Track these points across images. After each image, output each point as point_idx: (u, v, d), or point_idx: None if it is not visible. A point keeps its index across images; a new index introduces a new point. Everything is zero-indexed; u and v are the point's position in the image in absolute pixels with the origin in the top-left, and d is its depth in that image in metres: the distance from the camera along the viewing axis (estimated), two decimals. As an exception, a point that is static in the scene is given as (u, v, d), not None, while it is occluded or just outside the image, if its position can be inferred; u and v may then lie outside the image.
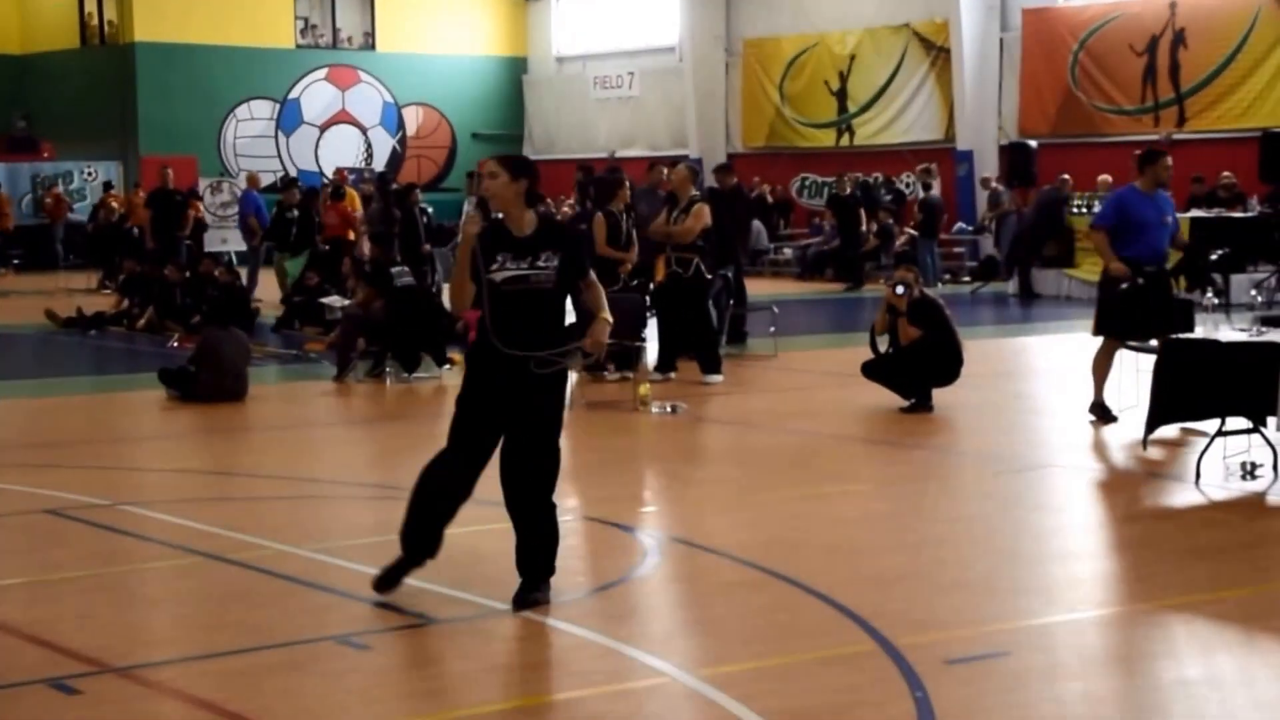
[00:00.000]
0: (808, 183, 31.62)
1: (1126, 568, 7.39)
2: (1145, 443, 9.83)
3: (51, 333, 18.93)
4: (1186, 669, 5.81)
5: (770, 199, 30.05)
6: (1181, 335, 10.12)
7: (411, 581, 6.82)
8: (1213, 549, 7.77)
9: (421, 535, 6.60)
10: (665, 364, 13.98)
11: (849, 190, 26.82)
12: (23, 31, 36.41)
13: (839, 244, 26.99)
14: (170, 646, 6.18)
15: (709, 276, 14.24)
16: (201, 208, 25.79)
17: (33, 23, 36.29)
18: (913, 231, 26.29)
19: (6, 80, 35.62)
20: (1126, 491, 9.36)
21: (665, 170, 16.99)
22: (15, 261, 31.24)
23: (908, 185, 28.82)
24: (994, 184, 26.64)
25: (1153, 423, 9.64)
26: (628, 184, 14.98)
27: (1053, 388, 14.05)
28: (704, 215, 13.92)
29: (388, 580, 6.61)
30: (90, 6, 34.98)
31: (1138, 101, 26.33)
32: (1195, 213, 22.38)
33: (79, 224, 31.45)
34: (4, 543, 8.17)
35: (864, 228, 26.26)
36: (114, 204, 26.64)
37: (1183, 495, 9.08)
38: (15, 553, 7.92)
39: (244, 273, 22.27)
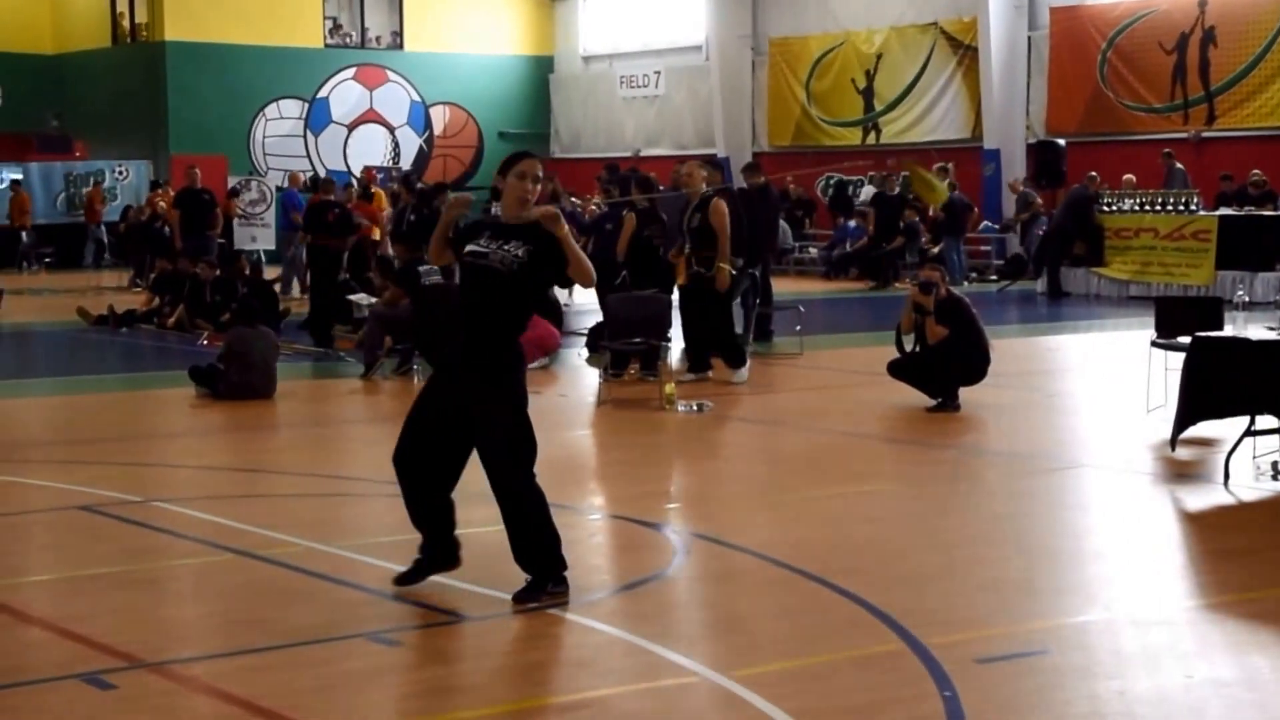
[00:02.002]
0: (833, 181, 31.58)
1: (1159, 568, 7.36)
2: (1174, 443, 9.79)
3: (83, 330, 19.06)
4: (1221, 669, 5.79)
5: (792, 196, 30.06)
6: (1210, 334, 10.08)
7: (441, 579, 6.85)
8: (1245, 549, 7.75)
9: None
10: (699, 364, 13.89)
11: (895, 190, 26.81)
12: (55, 31, 36.65)
13: (865, 243, 26.98)
14: (202, 642, 6.21)
15: (734, 273, 14.21)
16: (236, 206, 25.91)
17: (65, 23, 36.53)
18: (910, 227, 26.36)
19: (39, 79, 35.87)
20: (1156, 491, 9.32)
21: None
22: (47, 260, 31.46)
23: (950, 184, 28.71)
24: (1021, 187, 26.53)
25: (1181, 422, 9.61)
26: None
27: (1081, 387, 14.01)
28: (722, 210, 13.82)
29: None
30: (121, 6, 35.19)
31: (1167, 99, 26.23)
32: (1224, 211, 22.29)
33: (111, 223, 31.68)
34: (39, 539, 8.24)
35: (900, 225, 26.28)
36: (162, 203, 26.80)
37: (1212, 495, 9.05)
38: (50, 548, 8.00)
39: (277, 270, 22.49)
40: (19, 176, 32.10)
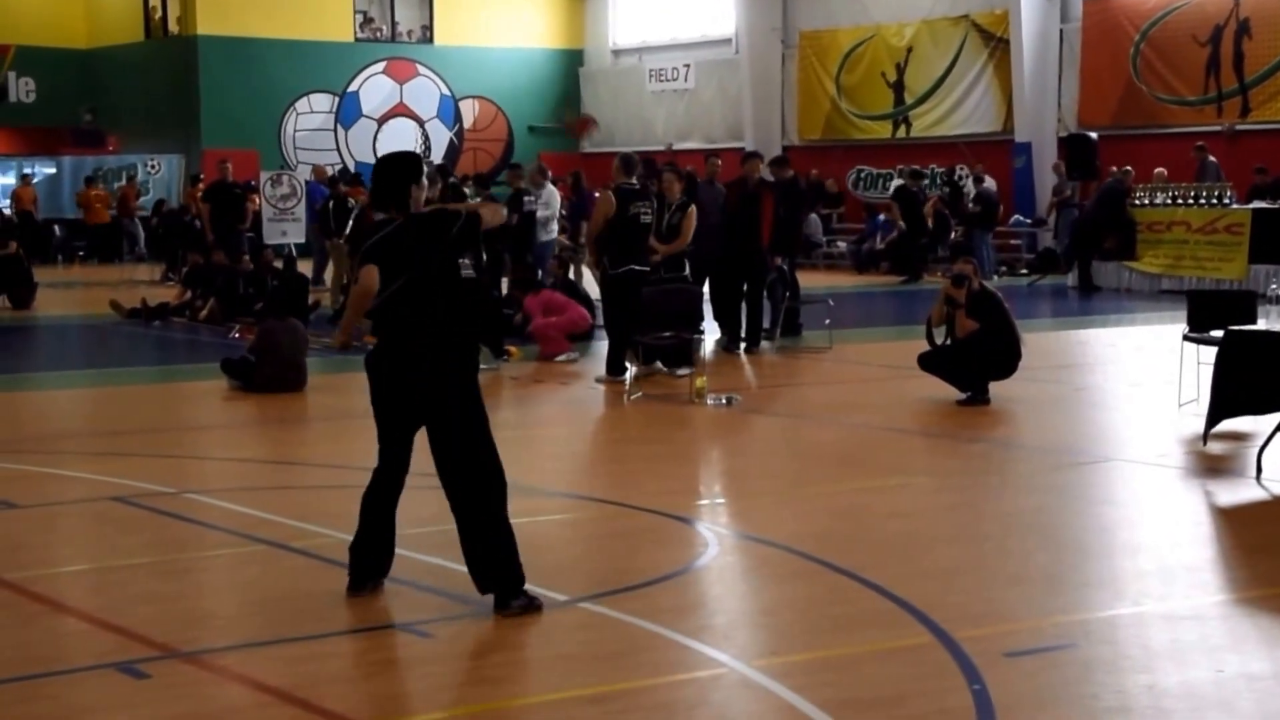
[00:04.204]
0: (863, 175, 31.52)
1: (1190, 562, 7.33)
2: (1206, 437, 9.76)
3: (116, 323, 19.18)
4: (1252, 663, 5.78)
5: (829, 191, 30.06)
6: (1243, 327, 10.04)
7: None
8: (1277, 544, 7.72)
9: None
10: (618, 367, 13.30)
11: (916, 184, 26.84)
12: (89, 26, 36.86)
13: (896, 236, 26.96)
14: (235, 632, 6.26)
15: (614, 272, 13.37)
16: (258, 200, 26.01)
17: (98, 17, 36.75)
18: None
19: (73, 74, 36.09)
20: (1188, 486, 9.29)
21: (719, 162, 17.01)
22: (80, 254, 31.66)
23: (961, 178, 28.69)
24: (1064, 168, 26.37)
25: (1214, 417, 9.57)
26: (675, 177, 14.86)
27: (1112, 381, 13.96)
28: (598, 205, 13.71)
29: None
30: (154, 1, 35.36)
31: (1200, 92, 26.06)
32: (1258, 204, 22.15)
33: (145, 217, 31.92)
34: (74, 529, 8.32)
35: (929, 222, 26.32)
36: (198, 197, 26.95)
37: (1245, 490, 9.01)
38: (85, 539, 8.08)
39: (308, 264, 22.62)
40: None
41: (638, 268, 13.32)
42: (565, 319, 15.27)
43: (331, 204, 22.02)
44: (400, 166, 6.66)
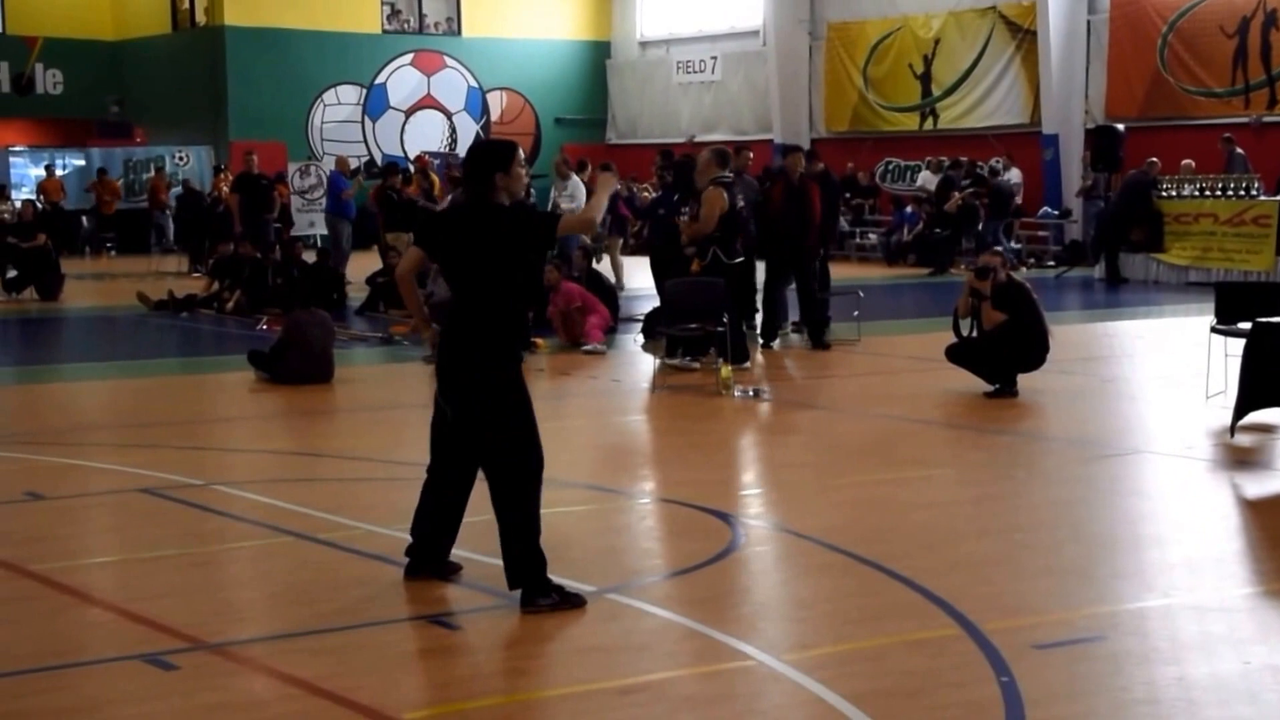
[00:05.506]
0: (891, 167, 31.43)
1: (1218, 554, 7.30)
2: (1234, 429, 9.71)
3: (144, 315, 19.27)
4: (1279, 655, 5.75)
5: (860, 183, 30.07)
6: (1271, 319, 9.98)
7: (497, 564, 6.90)
8: (1305, 537, 7.69)
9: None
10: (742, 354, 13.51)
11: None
12: (116, 17, 37.00)
13: (922, 228, 26.89)
14: (262, 624, 6.28)
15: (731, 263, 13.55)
16: (287, 191, 26.10)
17: (125, 9, 36.87)
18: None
19: (100, 66, 36.24)
20: (1215, 478, 9.25)
21: (750, 154, 16.95)
22: (108, 245, 31.80)
23: (992, 170, 28.59)
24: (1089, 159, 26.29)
25: (1241, 408, 9.53)
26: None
27: (1140, 373, 13.90)
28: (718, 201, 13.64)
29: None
30: (181, -8, 35.53)
31: (1228, 83, 25.91)
32: (1286, 196, 22.05)
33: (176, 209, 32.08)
34: (102, 521, 8.36)
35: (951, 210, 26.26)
36: (224, 187, 27.14)
37: (1272, 482, 8.97)
38: (113, 531, 8.11)
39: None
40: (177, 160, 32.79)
41: (743, 259, 13.86)
42: (600, 317, 15.35)
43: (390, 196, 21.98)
44: (486, 154, 6.50)
